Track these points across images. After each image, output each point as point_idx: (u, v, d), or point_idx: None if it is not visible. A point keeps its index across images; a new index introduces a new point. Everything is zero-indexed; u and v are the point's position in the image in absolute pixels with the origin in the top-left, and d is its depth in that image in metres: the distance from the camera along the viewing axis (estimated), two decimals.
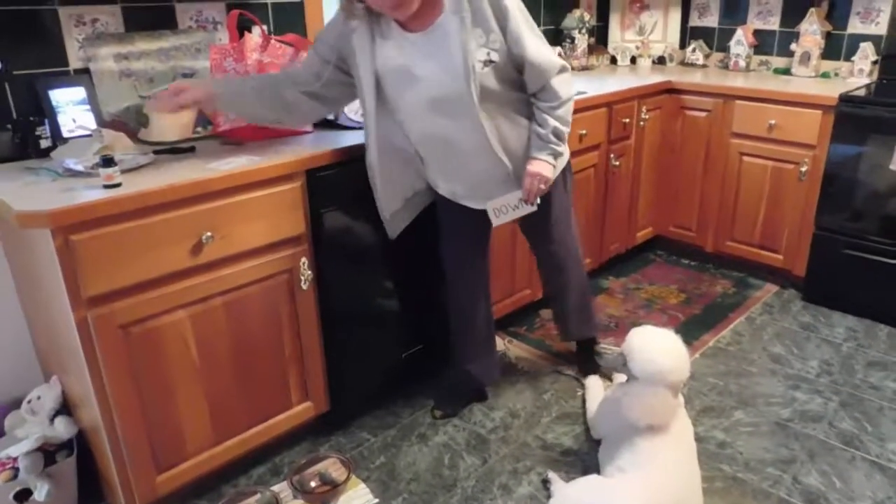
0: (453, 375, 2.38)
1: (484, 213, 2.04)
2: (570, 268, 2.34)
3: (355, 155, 1.98)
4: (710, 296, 3.16)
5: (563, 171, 2.14)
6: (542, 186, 1.95)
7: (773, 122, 2.93)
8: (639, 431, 1.85)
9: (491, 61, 1.79)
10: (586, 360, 2.51)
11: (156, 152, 1.89)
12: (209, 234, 1.70)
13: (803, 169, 2.89)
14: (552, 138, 1.92)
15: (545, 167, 1.94)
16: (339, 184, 1.96)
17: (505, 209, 1.99)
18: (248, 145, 1.97)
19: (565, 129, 1.94)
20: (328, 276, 2.02)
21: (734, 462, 2.10)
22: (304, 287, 1.97)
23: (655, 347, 1.88)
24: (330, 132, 2.14)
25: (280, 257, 1.90)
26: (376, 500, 1.98)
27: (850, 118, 2.72)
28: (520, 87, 1.91)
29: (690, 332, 2.83)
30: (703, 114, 3.15)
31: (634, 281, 3.32)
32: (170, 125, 2.03)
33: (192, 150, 1.94)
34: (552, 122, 1.91)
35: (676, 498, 1.74)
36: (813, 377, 2.52)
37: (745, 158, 3.08)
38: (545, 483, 2.02)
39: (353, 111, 2.15)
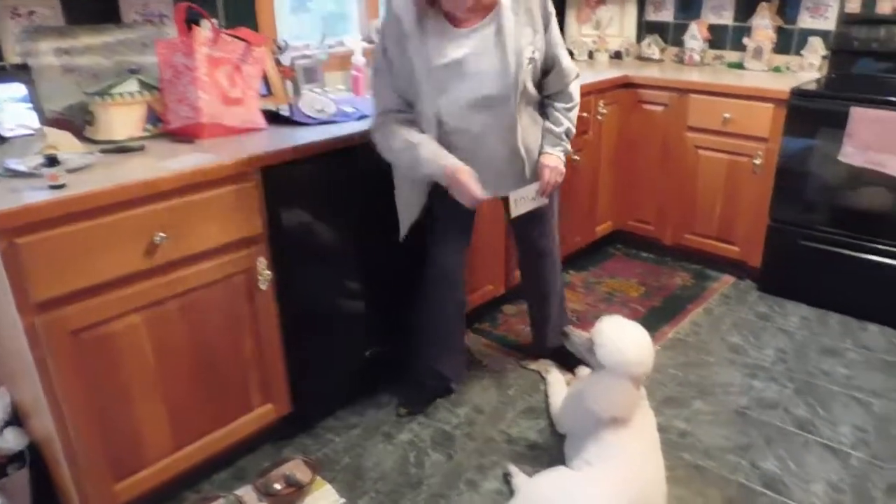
0: (420, 373, 2.37)
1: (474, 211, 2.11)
2: (555, 267, 2.41)
3: (313, 151, 1.94)
4: (669, 288, 3.21)
5: None
6: (559, 179, 2.06)
7: (727, 115, 2.98)
8: (604, 424, 1.87)
9: (533, 59, 1.90)
10: (564, 357, 2.51)
11: (103, 151, 1.82)
12: (162, 235, 1.65)
13: (757, 162, 2.95)
14: (565, 137, 2.06)
15: (560, 162, 2.06)
16: (296, 181, 1.93)
17: (523, 200, 2.07)
18: (200, 143, 1.92)
19: (574, 131, 2.09)
20: (288, 275, 1.99)
21: (695, 450, 2.14)
22: (263, 287, 1.93)
23: (624, 338, 1.89)
24: (285, 129, 2.09)
25: (237, 257, 1.86)
26: (342, 501, 1.96)
27: (801, 111, 2.78)
28: (539, 88, 2.03)
29: (650, 324, 2.87)
30: (660, 108, 3.20)
31: (595, 275, 3.36)
32: (118, 123, 1.96)
33: (141, 148, 1.88)
34: (566, 123, 2.06)
35: (643, 489, 1.76)
36: (769, 365, 2.58)
37: (701, 152, 3.13)
38: (506, 477, 2.02)
39: (309, 107, 2.12)
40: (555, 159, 2.04)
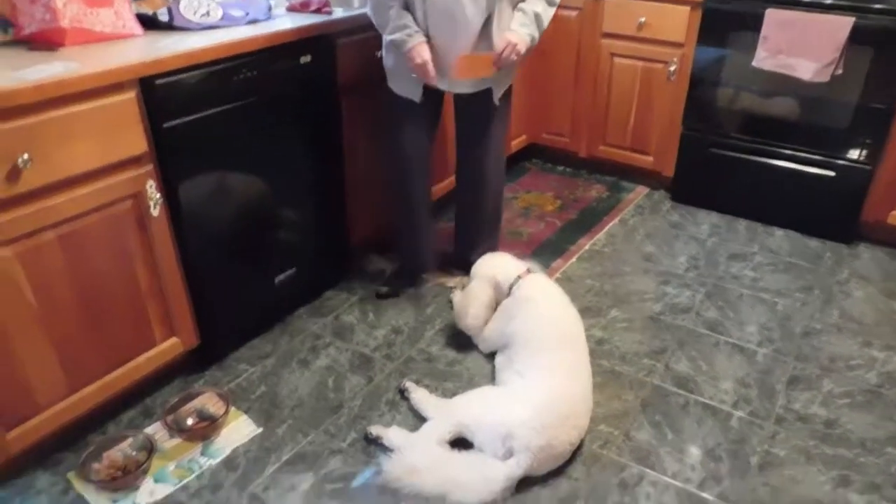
0: (398, 258, 2.50)
1: (440, 102, 2.23)
2: (492, 183, 2.38)
3: (197, 60, 1.75)
4: (585, 200, 3.21)
5: (511, 87, 2.25)
6: (514, 58, 2.00)
7: (643, 19, 2.91)
8: (534, 336, 1.90)
9: None
10: None
11: None
12: (26, 156, 1.46)
13: (672, 68, 2.92)
14: (534, 22, 2.03)
15: (522, 41, 2.00)
16: (183, 93, 1.74)
17: (471, 64, 2.01)
18: (62, 51, 1.67)
19: (545, 24, 2.07)
20: (182, 198, 1.82)
21: (612, 356, 2.18)
22: (155, 213, 1.77)
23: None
24: (164, 35, 1.87)
25: (120, 181, 1.68)
26: (260, 430, 1.90)
27: (715, 14, 2.74)
28: None
29: (567, 237, 2.88)
30: (574, 13, 3.09)
31: (511, 190, 3.31)
32: None
33: None
34: (540, 8, 2.03)
35: (571, 403, 1.77)
36: (681, 272, 2.63)
37: (616, 59, 3.07)
38: (403, 393, 2.00)
39: (191, 11, 1.89)
40: (517, 36, 1.99)
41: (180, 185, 1.81)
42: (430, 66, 1.97)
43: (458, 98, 2.22)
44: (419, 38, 1.96)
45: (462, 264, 2.48)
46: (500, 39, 1.99)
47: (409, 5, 1.96)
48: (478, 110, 2.22)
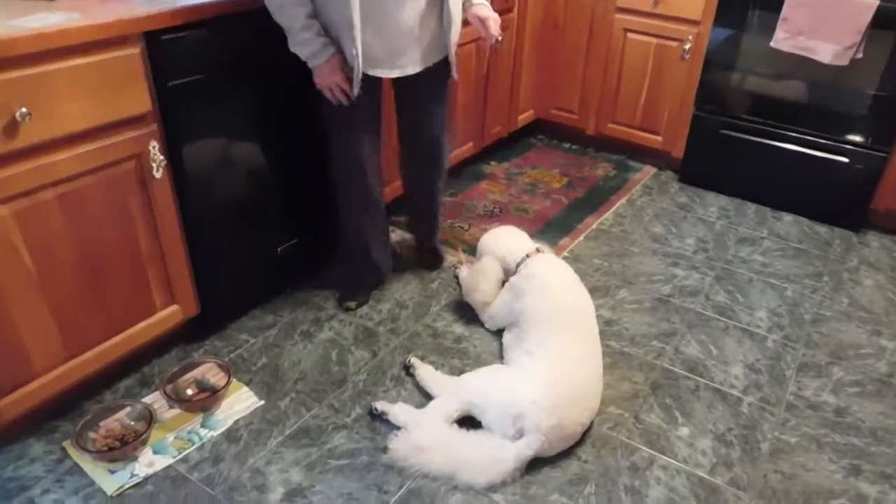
0: (355, 265, 2.26)
1: (380, 90, 1.97)
2: (446, 160, 2.26)
3: (207, 14, 1.66)
4: (592, 179, 3.15)
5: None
6: (499, 30, 1.95)
7: None
8: (545, 315, 1.86)
9: None
10: (433, 257, 2.47)
11: None
12: (24, 110, 1.38)
13: (687, 47, 2.85)
14: None
15: (492, 9, 1.94)
16: (191, 50, 1.66)
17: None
18: (61, 2, 1.58)
19: None
20: (186, 161, 1.75)
21: (621, 338, 2.14)
22: (157, 175, 1.69)
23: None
24: None
25: (122, 140, 1.60)
26: (262, 402, 1.85)
27: None
28: None
29: (574, 215, 2.83)
30: None
31: (516, 166, 3.25)
32: None
33: None
34: None
35: (581, 383, 1.74)
36: (690, 254, 2.59)
37: (630, 35, 2.99)
38: (407, 369, 1.96)
39: None
40: (487, 9, 1.92)
41: (184, 148, 1.74)
42: (345, 82, 1.81)
43: (404, 81, 1.97)
44: (328, 53, 1.77)
45: (430, 253, 2.43)
46: (472, 18, 1.92)
47: None
48: (432, 87, 2.04)
